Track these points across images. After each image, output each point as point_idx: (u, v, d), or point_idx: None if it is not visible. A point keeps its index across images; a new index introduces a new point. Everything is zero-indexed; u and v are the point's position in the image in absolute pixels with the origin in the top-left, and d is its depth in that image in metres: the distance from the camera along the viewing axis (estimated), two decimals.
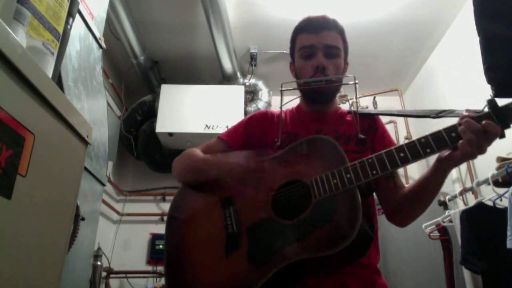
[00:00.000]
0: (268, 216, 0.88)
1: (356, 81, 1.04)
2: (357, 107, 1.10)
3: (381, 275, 0.97)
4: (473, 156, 0.77)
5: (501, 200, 1.73)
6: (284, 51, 3.10)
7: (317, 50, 1.05)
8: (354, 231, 0.74)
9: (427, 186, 0.90)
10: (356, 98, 1.11)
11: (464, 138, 0.76)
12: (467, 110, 0.81)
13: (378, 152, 1.03)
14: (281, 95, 1.09)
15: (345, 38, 1.10)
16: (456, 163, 0.82)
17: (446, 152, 0.83)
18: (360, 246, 0.80)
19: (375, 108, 3.24)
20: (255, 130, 1.11)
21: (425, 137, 0.79)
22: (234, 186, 0.97)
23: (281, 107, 1.11)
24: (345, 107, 1.32)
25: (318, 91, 1.04)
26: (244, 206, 0.93)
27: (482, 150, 0.76)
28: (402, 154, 0.80)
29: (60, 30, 0.91)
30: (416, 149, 0.79)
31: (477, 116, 0.77)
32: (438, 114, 0.95)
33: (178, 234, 0.99)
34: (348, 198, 0.81)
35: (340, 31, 1.09)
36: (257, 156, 0.93)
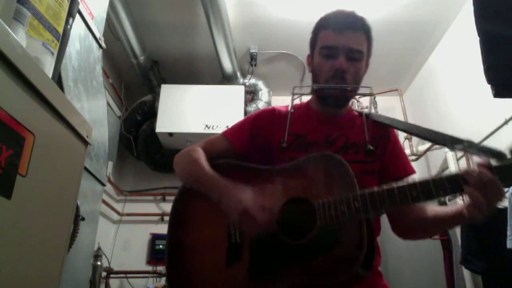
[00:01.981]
0: (272, 232, 0.85)
1: (374, 94, 1.02)
2: (368, 114, 1.06)
3: (383, 277, 0.97)
4: (483, 207, 0.74)
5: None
6: (284, 51, 3.10)
7: (339, 52, 0.99)
8: (356, 266, 0.74)
9: (446, 224, 0.91)
10: (370, 108, 1.11)
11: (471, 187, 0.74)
12: (484, 162, 0.76)
13: (386, 164, 1.02)
14: (292, 98, 1.06)
15: (370, 38, 1.04)
16: (471, 214, 0.77)
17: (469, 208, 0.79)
18: (361, 272, 0.79)
19: (375, 108, 3.24)
20: (261, 130, 1.07)
21: (440, 178, 0.76)
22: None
23: (290, 110, 1.07)
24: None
25: (332, 96, 1.01)
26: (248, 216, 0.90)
27: (489, 202, 0.73)
28: (414, 193, 0.77)
29: (60, 30, 0.91)
30: (429, 190, 0.76)
31: (495, 167, 0.74)
32: (455, 145, 0.89)
33: (180, 236, 0.98)
34: (353, 228, 0.78)
35: (366, 31, 1.03)
36: (265, 199, 0.86)
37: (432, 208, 0.94)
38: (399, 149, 1.07)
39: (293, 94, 1.06)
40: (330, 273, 0.77)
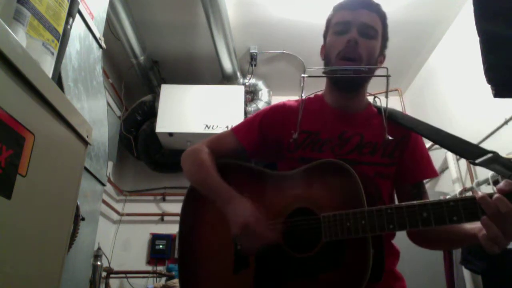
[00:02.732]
0: (278, 243, 0.84)
1: (389, 74, 0.94)
2: (386, 105, 1.00)
3: (400, 279, 0.93)
4: (501, 241, 0.66)
5: None
6: (284, 51, 3.10)
7: (352, 26, 0.95)
8: (361, 284, 0.72)
9: (457, 242, 0.89)
10: (386, 95, 0.98)
11: (488, 215, 0.66)
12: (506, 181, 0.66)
13: (404, 168, 0.97)
14: (303, 83, 0.97)
15: (385, 25, 1.00)
16: (488, 247, 0.69)
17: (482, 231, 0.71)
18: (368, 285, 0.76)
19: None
20: (271, 127, 1.02)
21: (455, 201, 0.68)
22: (248, 197, 0.93)
23: (301, 96, 1.01)
24: None
25: (344, 76, 0.95)
26: None
27: (508, 235, 0.65)
28: (425, 214, 0.70)
29: (60, 30, 0.91)
30: (441, 214, 0.69)
31: None
32: (476, 160, 0.81)
33: (190, 239, 0.99)
34: (359, 245, 0.76)
35: (381, 15, 0.99)
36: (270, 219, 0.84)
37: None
38: (420, 151, 1.01)
39: (303, 78, 0.98)
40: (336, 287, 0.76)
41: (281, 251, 0.84)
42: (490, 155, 0.79)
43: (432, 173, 1.00)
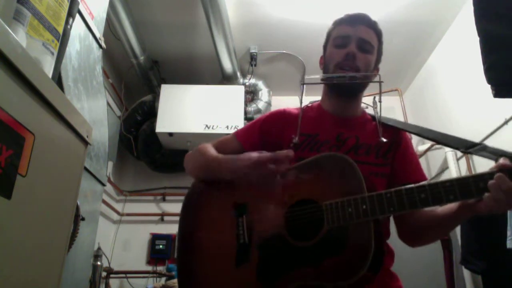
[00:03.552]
0: (280, 234, 0.86)
1: (382, 80, 1.01)
2: (380, 110, 1.05)
3: (396, 279, 0.95)
4: (499, 211, 0.72)
5: None
6: (284, 51, 3.10)
7: (350, 40, 1.03)
8: (364, 268, 0.73)
9: (444, 223, 0.89)
10: (380, 99, 1.05)
11: (492, 195, 0.70)
12: (504, 158, 0.73)
13: (396, 169, 1.01)
14: (302, 90, 1.05)
15: (381, 41, 1.08)
16: (479, 213, 0.77)
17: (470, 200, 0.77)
18: (369, 275, 0.78)
19: (375, 108, 3.23)
20: (271, 131, 1.08)
21: (450, 182, 0.73)
22: (249, 192, 0.96)
23: (301, 102, 1.07)
24: None
25: (342, 83, 1.01)
26: (257, 217, 0.92)
27: (510, 207, 0.72)
28: (423, 195, 0.75)
29: (60, 30, 0.91)
30: (438, 194, 0.74)
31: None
32: (468, 149, 0.89)
33: (191, 237, 1.00)
34: (361, 230, 0.78)
35: (378, 32, 1.07)
36: (273, 161, 0.88)
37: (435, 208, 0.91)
38: (410, 154, 1.06)
39: (303, 85, 1.04)
40: (337, 275, 0.77)
41: (283, 242, 0.85)
42: (479, 146, 0.86)
43: (422, 177, 1.04)
